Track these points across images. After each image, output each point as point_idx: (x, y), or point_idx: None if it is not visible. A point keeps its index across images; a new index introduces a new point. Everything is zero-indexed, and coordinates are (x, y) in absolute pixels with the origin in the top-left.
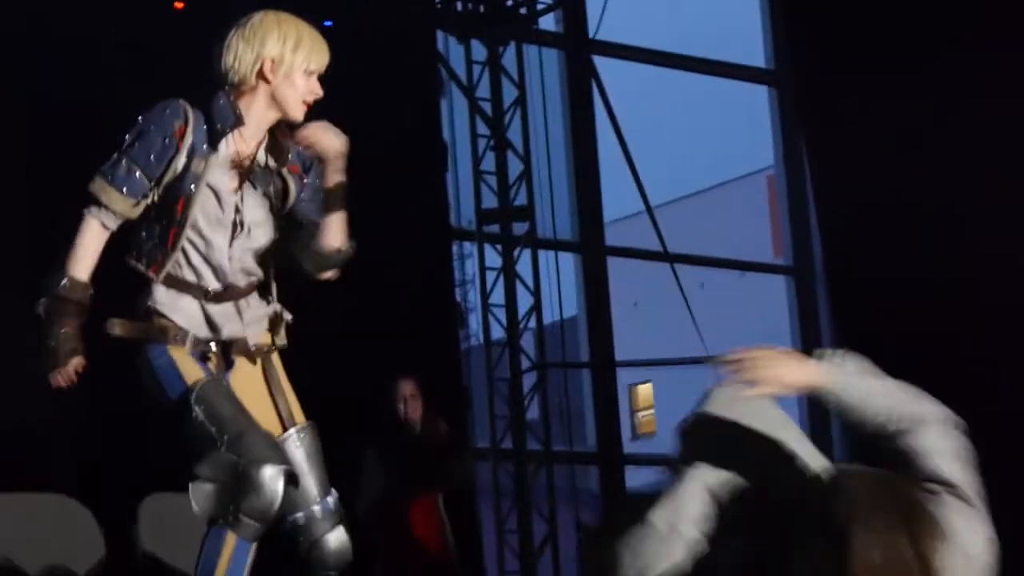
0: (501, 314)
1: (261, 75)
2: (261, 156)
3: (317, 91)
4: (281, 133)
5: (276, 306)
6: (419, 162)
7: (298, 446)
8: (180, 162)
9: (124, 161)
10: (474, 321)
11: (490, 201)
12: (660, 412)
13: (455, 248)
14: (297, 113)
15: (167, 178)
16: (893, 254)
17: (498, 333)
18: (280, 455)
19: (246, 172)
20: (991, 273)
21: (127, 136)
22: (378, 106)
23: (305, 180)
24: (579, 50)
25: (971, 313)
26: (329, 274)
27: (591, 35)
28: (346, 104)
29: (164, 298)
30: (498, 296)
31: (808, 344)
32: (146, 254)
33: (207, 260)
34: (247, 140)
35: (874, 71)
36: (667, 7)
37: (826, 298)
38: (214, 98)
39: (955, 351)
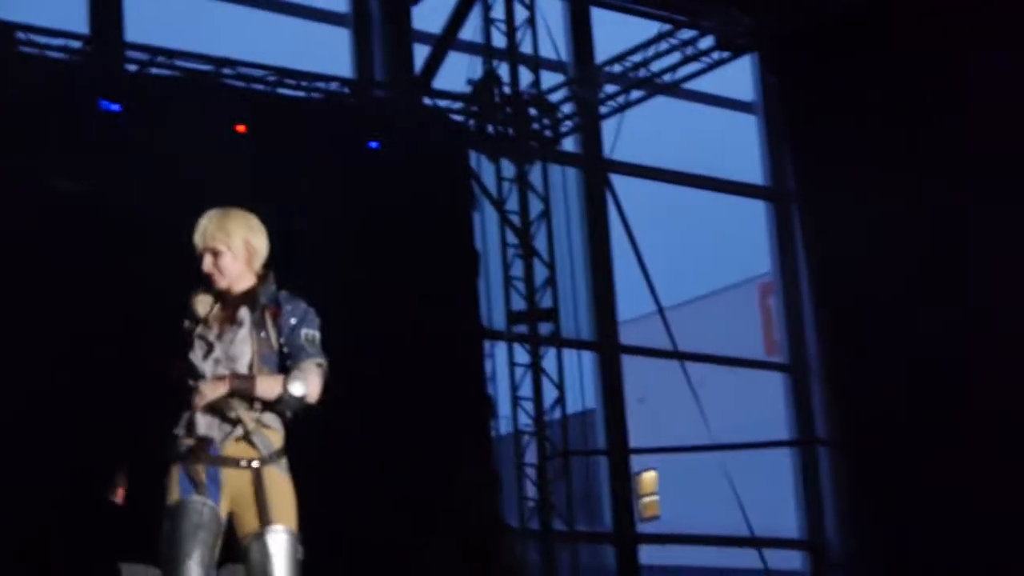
0: (528, 406)
1: None
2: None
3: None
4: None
5: (253, 420)
6: (454, 269)
7: (269, 545)
8: None
9: None
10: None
11: (518, 304)
12: (664, 496)
13: (487, 347)
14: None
15: None
16: (884, 348)
17: (524, 423)
18: None
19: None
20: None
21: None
22: (418, 218)
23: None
24: (596, 168)
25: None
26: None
27: (607, 155)
28: (389, 217)
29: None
30: (525, 390)
31: (804, 432)
32: None
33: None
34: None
35: (866, 184)
36: (675, 128)
37: (820, 390)
38: None
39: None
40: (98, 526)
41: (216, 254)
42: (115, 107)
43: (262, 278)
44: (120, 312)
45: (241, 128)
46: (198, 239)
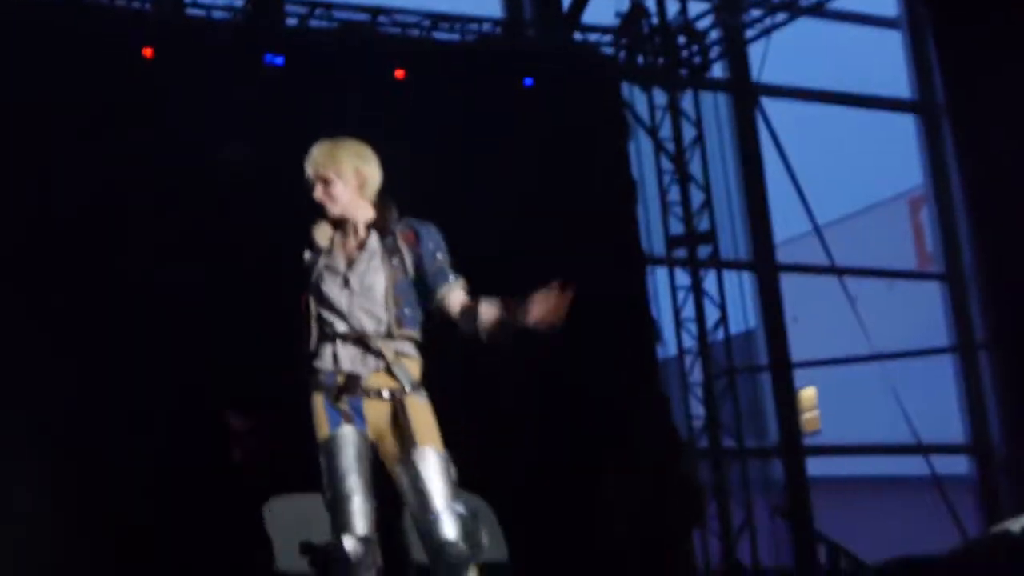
0: (691, 327)
1: None
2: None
3: (317, 195)
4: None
5: (392, 352)
6: (613, 198)
7: (419, 465)
8: None
9: None
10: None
11: (676, 228)
12: (824, 411)
13: (648, 271)
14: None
15: None
16: None
17: (688, 344)
18: (365, 523)
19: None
20: None
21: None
22: (575, 150)
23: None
24: (746, 92)
25: None
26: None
27: (755, 78)
28: (547, 151)
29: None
30: (687, 312)
31: (964, 341)
32: None
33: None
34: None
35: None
36: (820, 49)
37: (978, 297)
38: None
39: None
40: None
41: (327, 182)
42: (279, 60)
43: (381, 207)
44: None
45: (400, 73)
46: (309, 169)
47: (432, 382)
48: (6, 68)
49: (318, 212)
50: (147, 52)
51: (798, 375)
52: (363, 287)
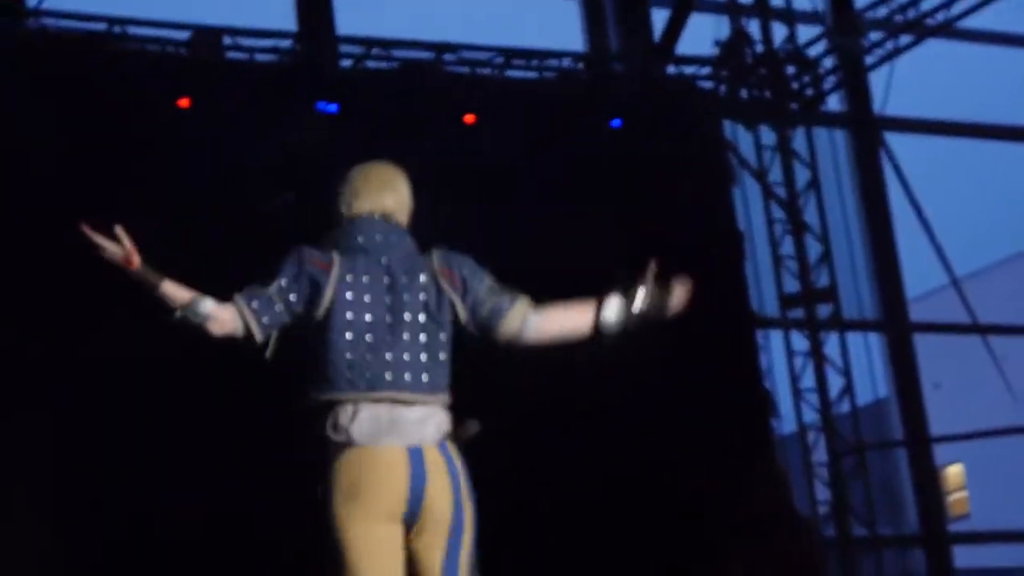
0: (812, 398)
1: None
2: None
3: None
4: None
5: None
6: (717, 253)
7: None
8: None
9: None
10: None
11: (792, 285)
12: (973, 491)
13: (760, 336)
14: None
15: None
16: None
17: (809, 417)
18: None
19: None
20: None
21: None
22: (671, 199)
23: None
24: (867, 126)
25: None
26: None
27: (878, 111)
28: (639, 201)
29: None
30: (807, 381)
31: None
32: None
33: None
34: None
35: None
36: (952, 73)
37: None
38: None
39: None
40: None
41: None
42: (332, 107)
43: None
44: None
45: (470, 118)
46: (345, 206)
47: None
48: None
49: None
50: (183, 102)
51: (940, 450)
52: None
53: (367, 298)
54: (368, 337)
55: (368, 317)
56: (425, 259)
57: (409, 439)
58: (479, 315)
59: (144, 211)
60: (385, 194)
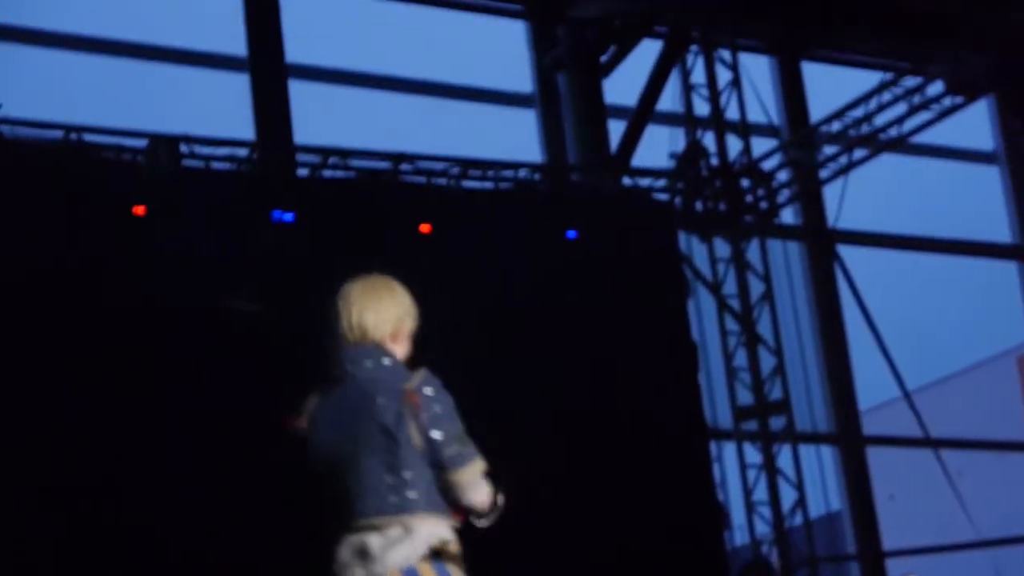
0: (765, 511)
1: None
2: None
3: None
4: None
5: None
6: (671, 364)
7: None
8: None
9: None
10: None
11: (745, 398)
12: None
13: (713, 448)
14: None
15: None
16: None
17: (762, 530)
18: None
19: None
20: None
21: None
22: (626, 310)
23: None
24: (821, 240)
25: None
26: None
27: (832, 224)
28: (594, 312)
29: None
30: (760, 493)
31: None
32: None
33: None
34: None
35: None
36: (906, 188)
37: None
38: None
39: None
40: None
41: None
42: (288, 216)
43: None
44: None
45: (425, 228)
46: (346, 328)
47: None
48: None
49: None
50: (138, 210)
51: (893, 565)
52: None
53: (330, 429)
54: (333, 468)
55: (330, 447)
56: (402, 377)
57: (375, 568)
58: (438, 455)
59: (99, 318)
60: (365, 316)
